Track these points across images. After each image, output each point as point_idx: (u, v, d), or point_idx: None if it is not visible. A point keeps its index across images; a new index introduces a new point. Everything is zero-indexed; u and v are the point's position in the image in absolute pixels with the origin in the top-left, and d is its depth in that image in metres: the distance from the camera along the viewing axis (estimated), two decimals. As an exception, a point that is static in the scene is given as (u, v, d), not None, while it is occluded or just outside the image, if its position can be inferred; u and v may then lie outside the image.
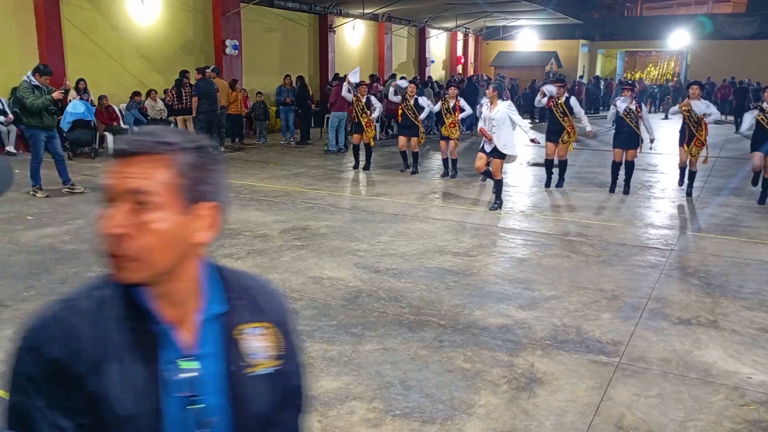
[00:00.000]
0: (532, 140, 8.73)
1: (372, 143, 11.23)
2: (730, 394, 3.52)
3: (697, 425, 3.21)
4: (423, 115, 10.84)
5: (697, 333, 4.35)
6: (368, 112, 10.95)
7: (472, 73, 29.15)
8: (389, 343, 4.11)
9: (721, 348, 4.11)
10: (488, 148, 7.93)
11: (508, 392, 3.51)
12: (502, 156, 7.93)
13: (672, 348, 4.10)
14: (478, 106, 9.18)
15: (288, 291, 5.05)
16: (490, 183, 8.95)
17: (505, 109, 7.88)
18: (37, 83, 8.27)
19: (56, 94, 8.45)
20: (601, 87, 26.30)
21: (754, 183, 9.00)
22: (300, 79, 15.17)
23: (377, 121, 15.99)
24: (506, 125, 7.83)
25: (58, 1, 12.86)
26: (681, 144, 9.08)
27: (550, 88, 9.52)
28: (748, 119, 8.67)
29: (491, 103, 7.90)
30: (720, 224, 7.55)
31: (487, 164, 8.16)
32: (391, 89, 11.89)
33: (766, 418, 3.30)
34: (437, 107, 10.87)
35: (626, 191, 9.26)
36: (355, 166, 11.30)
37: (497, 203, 8.07)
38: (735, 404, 3.42)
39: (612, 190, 9.30)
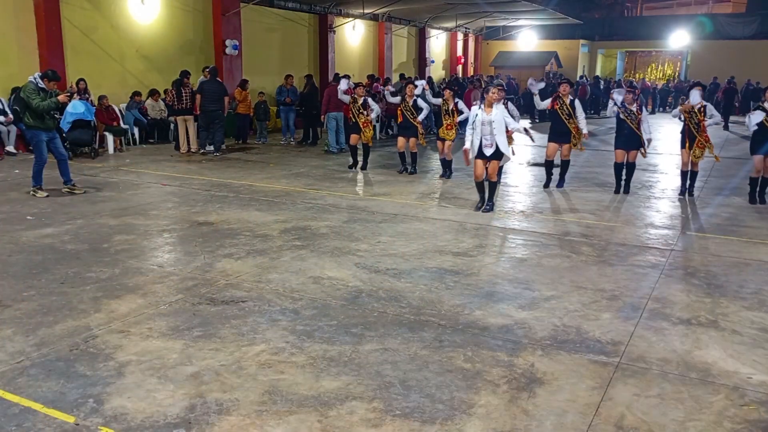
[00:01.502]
0: (525, 129, 8.47)
1: (370, 143, 11.25)
2: (730, 394, 3.52)
3: (697, 425, 3.21)
4: (421, 117, 10.84)
5: (697, 333, 4.35)
6: (365, 113, 10.95)
7: (472, 73, 29.17)
8: (389, 343, 4.11)
9: (721, 348, 4.11)
10: (488, 153, 7.85)
11: (508, 392, 3.50)
12: (500, 157, 7.87)
13: (672, 348, 4.10)
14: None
15: (288, 291, 5.06)
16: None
17: (501, 112, 7.79)
18: (43, 86, 8.28)
19: (62, 98, 8.45)
20: (602, 87, 26.28)
21: (752, 200, 8.72)
22: (308, 78, 15.12)
23: (377, 121, 16.06)
24: (503, 127, 7.77)
25: (58, 1, 12.87)
26: (683, 146, 9.07)
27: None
28: (755, 119, 8.57)
29: (487, 106, 7.79)
30: (720, 224, 7.54)
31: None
32: (387, 92, 11.90)
33: (766, 418, 3.30)
34: (438, 100, 10.90)
35: (626, 191, 9.26)
36: (352, 166, 11.31)
37: (489, 205, 8.00)
38: (735, 404, 3.42)
39: (617, 191, 9.29)
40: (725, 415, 3.30)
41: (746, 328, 4.44)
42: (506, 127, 7.88)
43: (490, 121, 7.72)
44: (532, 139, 9.33)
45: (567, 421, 3.22)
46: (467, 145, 7.97)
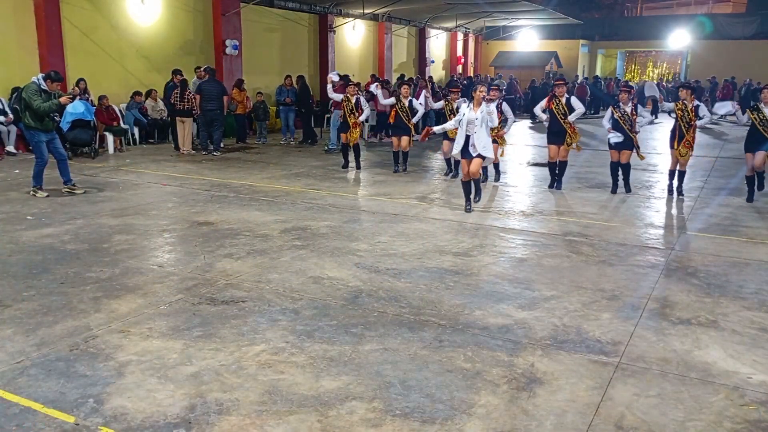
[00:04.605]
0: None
1: (352, 143, 11.18)
2: (730, 394, 3.52)
3: (697, 425, 3.21)
4: (416, 119, 10.84)
5: (697, 333, 4.35)
6: (356, 114, 10.94)
7: (472, 73, 29.15)
8: (389, 343, 4.11)
9: (721, 348, 4.11)
10: (473, 153, 7.78)
11: (508, 392, 3.51)
12: (483, 157, 7.81)
13: (672, 348, 4.10)
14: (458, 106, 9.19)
15: (288, 291, 5.06)
16: (485, 184, 8.92)
17: (484, 112, 7.69)
18: (45, 87, 8.27)
19: (64, 100, 8.45)
20: (602, 87, 26.30)
21: (750, 199, 8.78)
22: (300, 78, 15.17)
23: (375, 122, 16.07)
24: (485, 127, 7.71)
25: (58, 1, 12.87)
26: (672, 146, 9.07)
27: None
28: (726, 107, 8.84)
29: (475, 105, 7.76)
30: (720, 224, 7.54)
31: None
32: (379, 94, 11.93)
33: (766, 418, 3.30)
34: (439, 105, 10.91)
35: (627, 191, 9.24)
36: (344, 166, 11.31)
37: (476, 199, 8.08)
38: (735, 404, 3.42)
39: (614, 191, 9.29)
40: (725, 415, 3.30)
41: (746, 328, 4.44)
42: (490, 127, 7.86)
43: (474, 118, 7.69)
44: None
45: (567, 421, 3.22)
46: (436, 129, 8.57)
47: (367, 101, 12.49)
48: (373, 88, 12.01)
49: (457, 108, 10.15)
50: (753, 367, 3.84)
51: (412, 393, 3.47)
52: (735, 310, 4.78)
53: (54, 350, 3.93)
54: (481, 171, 8.10)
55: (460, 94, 10.54)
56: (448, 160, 10.69)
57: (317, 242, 6.48)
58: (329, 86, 11.51)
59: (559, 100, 9.27)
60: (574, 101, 9.31)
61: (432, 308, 4.73)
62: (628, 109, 8.99)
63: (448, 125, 8.39)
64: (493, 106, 7.85)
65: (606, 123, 9.22)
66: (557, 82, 9.57)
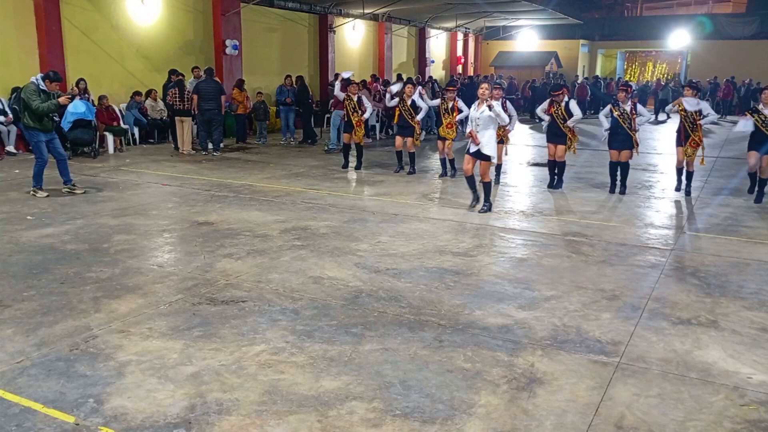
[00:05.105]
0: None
1: (362, 142, 11.23)
2: (730, 394, 3.52)
3: (697, 425, 3.21)
4: (420, 116, 10.84)
5: (697, 333, 4.35)
6: (359, 112, 10.95)
7: (472, 73, 29.16)
8: (389, 343, 4.11)
9: (721, 348, 4.11)
10: (473, 150, 7.81)
11: (508, 392, 3.51)
12: (488, 158, 7.78)
13: (672, 348, 4.10)
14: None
15: (288, 291, 5.06)
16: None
17: (488, 110, 7.68)
18: (44, 87, 8.26)
19: (63, 100, 8.45)
20: (602, 87, 26.31)
21: (751, 190, 9.01)
22: (300, 79, 15.19)
23: (377, 121, 16.07)
24: (490, 125, 7.71)
25: (58, 1, 12.87)
26: (678, 144, 9.16)
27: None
28: (743, 127, 8.88)
29: (479, 103, 7.78)
30: (720, 224, 7.55)
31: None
32: (387, 95, 11.93)
33: (766, 418, 3.30)
34: (436, 102, 10.93)
35: (622, 191, 9.27)
36: (345, 166, 11.31)
37: (486, 205, 7.97)
38: (735, 404, 3.42)
39: (612, 190, 9.33)
40: (725, 415, 3.30)
41: (746, 328, 4.44)
42: (496, 126, 7.85)
43: (477, 117, 7.71)
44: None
45: (567, 421, 3.22)
46: (470, 128, 8.14)
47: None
48: (387, 97, 12.04)
49: (452, 108, 10.18)
50: (753, 367, 3.84)
51: (412, 393, 3.47)
52: (735, 310, 4.78)
53: (54, 350, 3.93)
54: (491, 177, 8.05)
55: (456, 93, 10.53)
56: (442, 161, 10.69)
57: (317, 242, 6.48)
58: (337, 84, 11.53)
59: (559, 105, 9.33)
60: (573, 106, 9.34)
61: (432, 308, 4.73)
62: (627, 108, 9.02)
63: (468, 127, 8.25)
64: (509, 105, 7.91)
65: (603, 118, 9.30)
66: (553, 93, 9.51)
